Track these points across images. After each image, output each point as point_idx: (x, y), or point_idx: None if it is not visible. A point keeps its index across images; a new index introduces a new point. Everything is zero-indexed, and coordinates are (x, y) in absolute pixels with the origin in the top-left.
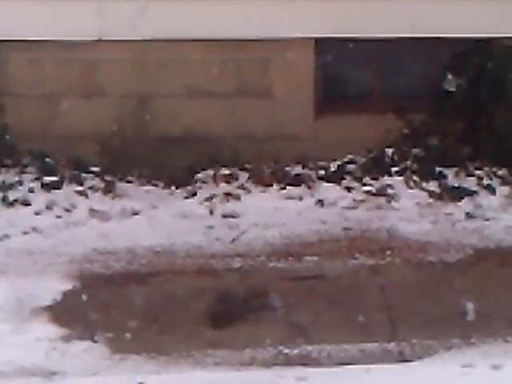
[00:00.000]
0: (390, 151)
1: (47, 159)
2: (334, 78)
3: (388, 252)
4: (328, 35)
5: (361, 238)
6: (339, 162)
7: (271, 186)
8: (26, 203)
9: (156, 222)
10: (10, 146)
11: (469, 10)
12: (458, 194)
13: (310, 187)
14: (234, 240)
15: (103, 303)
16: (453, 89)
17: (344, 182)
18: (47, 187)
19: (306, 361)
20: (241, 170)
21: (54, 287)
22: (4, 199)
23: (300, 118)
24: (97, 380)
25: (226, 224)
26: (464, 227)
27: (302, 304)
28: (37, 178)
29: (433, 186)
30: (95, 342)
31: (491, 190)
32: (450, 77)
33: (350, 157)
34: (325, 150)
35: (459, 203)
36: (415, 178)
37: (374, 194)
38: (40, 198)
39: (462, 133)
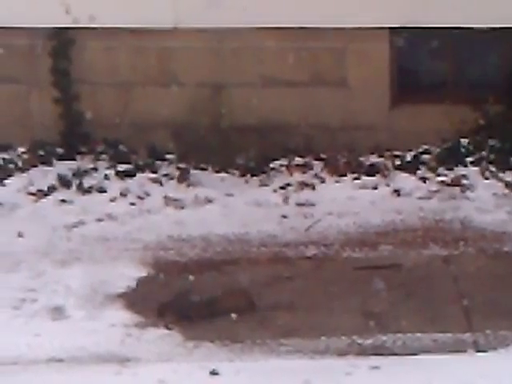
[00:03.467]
0: (465, 142)
1: (121, 147)
2: (409, 68)
3: (462, 242)
4: (406, 25)
5: (435, 228)
6: (414, 152)
7: (345, 175)
8: (101, 190)
9: (230, 210)
10: (85, 134)
11: None
12: None
13: (385, 177)
14: (308, 228)
15: (177, 290)
16: None
17: (419, 172)
18: (121, 174)
19: (379, 350)
20: (315, 159)
21: (128, 274)
22: (80, 186)
23: (375, 108)
24: (170, 366)
25: (300, 213)
26: None
27: (376, 293)
28: (111, 166)
29: (509, 176)
30: (169, 329)
31: None
32: None
33: (425, 147)
34: (399, 140)
35: None
36: (491, 168)
37: (448, 185)
38: (114, 186)
39: None
